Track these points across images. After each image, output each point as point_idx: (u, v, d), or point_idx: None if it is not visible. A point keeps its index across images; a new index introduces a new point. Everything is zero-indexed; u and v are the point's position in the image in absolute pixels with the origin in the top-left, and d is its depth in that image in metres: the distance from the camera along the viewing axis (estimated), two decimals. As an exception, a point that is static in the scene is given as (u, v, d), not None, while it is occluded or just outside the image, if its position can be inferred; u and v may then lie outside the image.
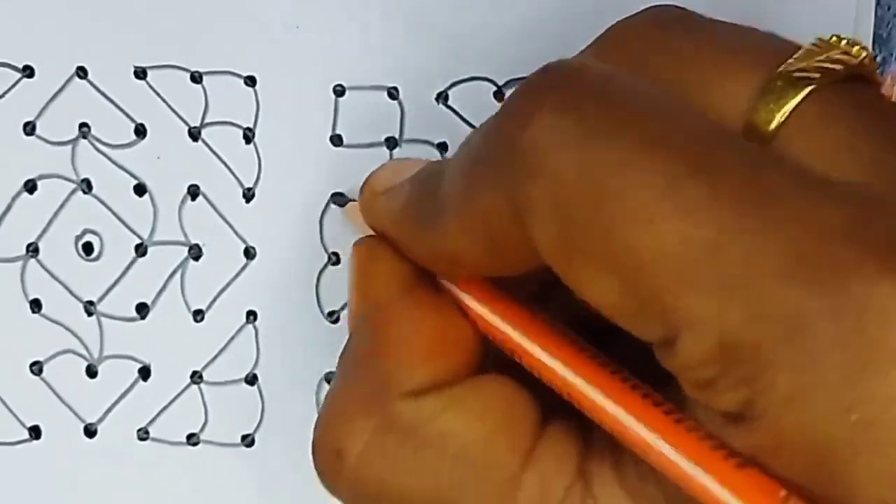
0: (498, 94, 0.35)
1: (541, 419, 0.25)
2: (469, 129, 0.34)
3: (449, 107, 0.35)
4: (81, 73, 0.34)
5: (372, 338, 0.26)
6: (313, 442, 0.26)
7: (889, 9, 0.35)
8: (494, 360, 0.25)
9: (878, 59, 0.35)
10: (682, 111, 0.21)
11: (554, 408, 0.24)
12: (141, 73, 0.34)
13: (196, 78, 0.34)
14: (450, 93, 0.35)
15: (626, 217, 0.20)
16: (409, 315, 0.25)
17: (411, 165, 0.27)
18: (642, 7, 0.34)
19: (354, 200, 0.31)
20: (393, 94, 0.35)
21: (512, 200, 0.22)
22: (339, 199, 0.34)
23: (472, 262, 0.24)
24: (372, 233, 0.28)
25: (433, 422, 0.24)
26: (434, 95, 0.35)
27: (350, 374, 0.26)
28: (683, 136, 0.21)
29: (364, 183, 0.28)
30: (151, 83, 0.34)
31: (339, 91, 0.34)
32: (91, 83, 0.34)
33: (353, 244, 0.28)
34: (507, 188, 0.22)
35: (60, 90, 0.34)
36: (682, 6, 0.27)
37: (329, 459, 0.26)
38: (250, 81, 0.34)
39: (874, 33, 0.35)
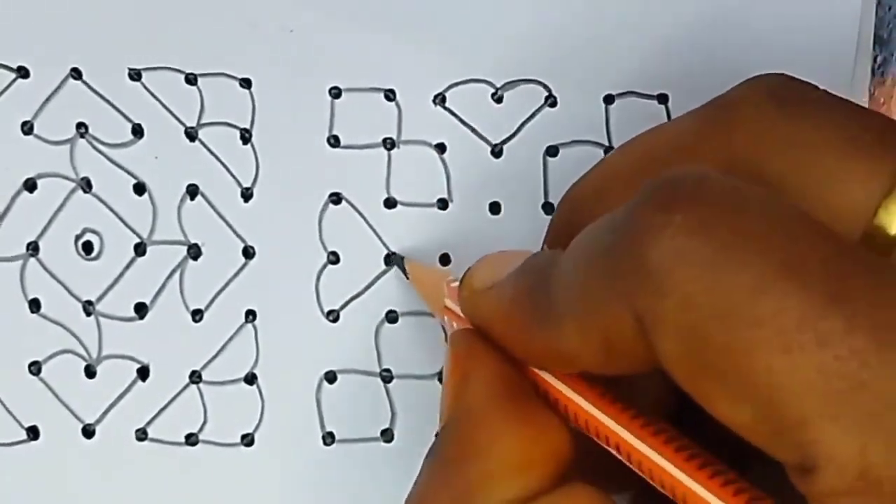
0: (496, 97, 0.35)
1: None
2: (467, 131, 0.35)
3: (447, 109, 0.35)
4: (76, 74, 0.34)
5: (462, 443, 0.25)
6: None
7: (890, 10, 0.35)
8: (582, 455, 0.25)
9: (879, 60, 0.35)
10: (813, 230, 0.21)
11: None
12: (135, 75, 0.34)
13: (191, 80, 0.34)
14: (447, 95, 0.35)
15: (762, 345, 0.20)
16: (503, 425, 0.25)
17: (510, 259, 0.26)
18: (642, 12, 0.34)
19: (412, 259, 0.33)
20: (390, 96, 0.34)
21: (635, 314, 0.21)
22: (395, 257, 0.34)
23: (586, 363, 0.24)
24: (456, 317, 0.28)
25: None
26: (431, 97, 0.35)
27: (435, 476, 0.26)
28: (818, 260, 0.20)
29: (462, 278, 0.27)
30: (146, 84, 0.34)
31: (336, 93, 0.34)
32: (86, 84, 0.34)
33: (451, 335, 0.28)
34: (632, 303, 0.21)
35: (56, 91, 0.34)
36: (792, 76, 0.26)
37: None
38: (245, 83, 0.34)
39: (875, 34, 0.35)
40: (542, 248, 0.30)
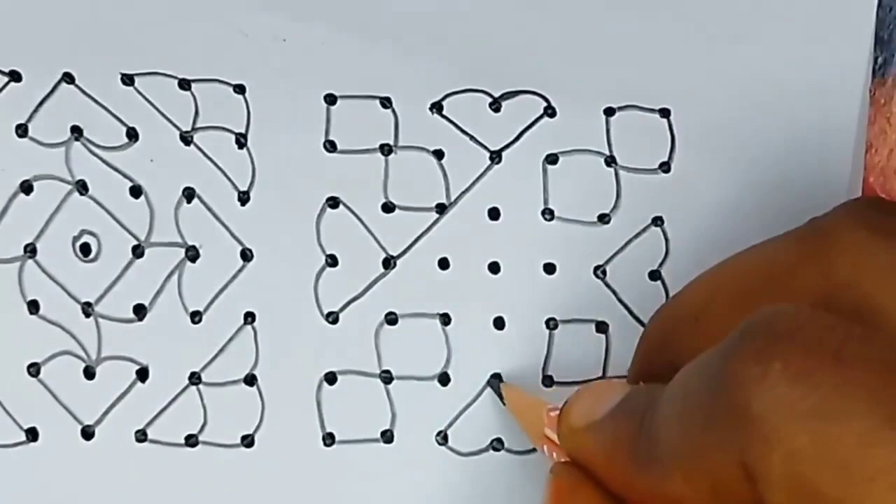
0: (494, 107, 0.34)
1: None
2: (465, 138, 0.34)
3: (444, 117, 0.34)
4: (68, 78, 0.34)
5: None
6: None
7: (890, 11, 0.35)
8: None
9: (880, 60, 0.35)
10: None
11: None
12: (128, 80, 0.34)
13: (184, 85, 0.34)
14: (444, 104, 0.34)
15: (875, 500, 0.20)
16: None
17: (607, 393, 0.26)
18: (635, 18, 0.34)
19: (510, 385, 0.33)
20: (386, 103, 0.34)
21: (743, 465, 0.21)
22: (492, 381, 0.34)
23: None
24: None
25: None
26: (428, 106, 0.34)
27: None
28: None
29: (560, 413, 0.28)
30: (139, 89, 0.34)
31: (331, 100, 0.34)
32: (79, 88, 0.34)
33: (553, 467, 0.28)
34: (737, 454, 0.21)
35: (49, 94, 0.34)
36: (883, 198, 0.26)
37: None
38: (239, 89, 0.34)
39: (875, 35, 0.35)
40: (631, 364, 0.31)
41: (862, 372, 0.21)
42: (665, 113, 0.35)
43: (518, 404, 0.33)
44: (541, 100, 0.34)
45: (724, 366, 0.22)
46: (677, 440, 0.23)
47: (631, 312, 0.35)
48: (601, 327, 0.35)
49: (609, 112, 0.34)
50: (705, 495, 0.23)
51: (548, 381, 0.35)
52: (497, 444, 0.35)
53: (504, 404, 0.34)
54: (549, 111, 0.34)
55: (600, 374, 0.35)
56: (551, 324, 0.35)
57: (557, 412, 0.28)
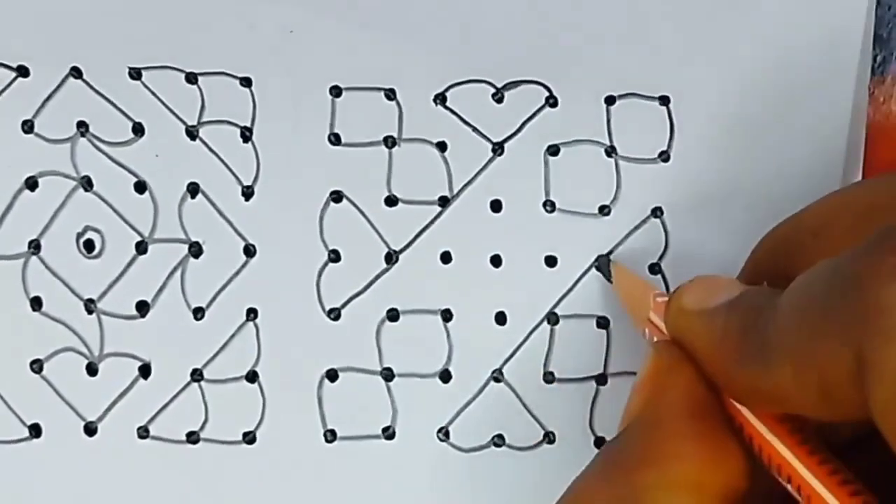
0: (496, 97, 0.35)
1: None
2: (468, 130, 0.35)
3: (447, 108, 0.35)
4: (76, 73, 0.34)
5: (645, 444, 0.25)
6: None
7: (889, 9, 0.35)
8: (757, 492, 0.25)
9: (879, 58, 0.35)
10: None
11: None
12: (135, 74, 0.34)
13: (191, 79, 0.34)
14: (448, 94, 0.35)
15: None
16: (691, 440, 0.25)
17: (723, 286, 0.26)
18: (644, 14, 0.34)
19: (619, 263, 0.33)
20: (390, 95, 0.34)
21: (858, 357, 0.21)
22: (602, 259, 0.34)
23: (794, 403, 0.23)
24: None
25: None
26: (432, 97, 0.35)
27: (609, 471, 0.26)
28: None
29: (672, 295, 0.28)
30: (146, 83, 0.34)
31: (336, 92, 0.34)
32: (86, 82, 0.34)
33: (656, 343, 0.28)
34: (854, 344, 0.21)
35: (56, 89, 0.34)
36: None
37: None
38: (246, 82, 0.34)
39: (875, 33, 0.35)
40: (742, 271, 0.31)
41: None
42: (665, 101, 0.35)
43: (625, 284, 0.33)
44: (543, 89, 0.35)
45: (854, 262, 0.22)
46: (793, 334, 0.23)
47: (632, 308, 0.35)
48: (602, 322, 0.35)
49: (609, 101, 0.35)
50: (812, 392, 0.22)
51: (549, 377, 0.35)
52: (498, 440, 0.35)
53: (611, 282, 0.34)
54: (551, 101, 0.35)
55: (601, 370, 0.35)
56: (552, 319, 0.35)
57: (665, 298, 0.28)
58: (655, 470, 0.25)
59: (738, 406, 0.25)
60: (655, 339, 0.29)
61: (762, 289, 0.25)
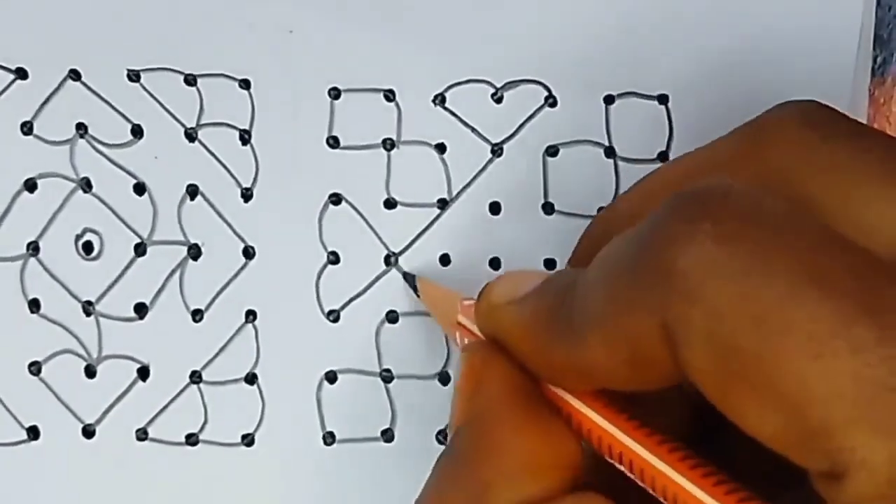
0: (496, 97, 0.35)
1: None
2: (467, 131, 0.35)
3: (447, 109, 0.35)
4: (74, 75, 0.34)
5: (475, 444, 0.25)
6: None
7: (890, 10, 0.35)
8: (593, 473, 0.25)
9: (879, 59, 0.35)
10: (843, 243, 0.21)
11: None
12: (134, 76, 0.34)
13: (190, 80, 0.34)
14: (447, 95, 0.35)
15: (793, 351, 0.20)
16: (518, 426, 0.25)
17: (530, 277, 0.26)
18: (642, 13, 0.34)
19: (424, 277, 0.33)
20: (389, 96, 0.34)
21: (663, 323, 0.21)
22: (407, 276, 0.34)
23: (607, 377, 0.24)
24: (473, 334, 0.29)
25: None
26: (431, 98, 0.35)
27: (449, 475, 0.26)
28: (849, 271, 0.20)
29: (481, 292, 0.27)
30: (145, 85, 0.34)
31: (335, 94, 0.34)
32: (85, 84, 0.34)
33: (463, 348, 0.28)
34: (658, 311, 0.21)
35: (55, 91, 0.34)
36: (828, 105, 0.26)
37: None
38: (245, 84, 0.34)
39: (875, 34, 0.35)
40: (566, 266, 0.31)
41: (787, 236, 0.21)
42: (663, 99, 0.35)
43: (432, 295, 0.33)
44: (542, 89, 0.35)
45: (651, 227, 0.22)
46: (598, 304, 0.23)
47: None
48: (601, 326, 0.35)
49: (609, 100, 0.35)
50: (622, 362, 0.23)
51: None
52: (497, 444, 0.34)
53: (418, 296, 0.34)
54: (550, 101, 0.35)
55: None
56: (551, 322, 0.35)
57: (472, 301, 0.28)
58: (491, 464, 0.24)
59: (557, 390, 0.25)
60: (466, 341, 0.29)
61: (568, 270, 0.26)
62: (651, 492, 0.24)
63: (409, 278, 0.34)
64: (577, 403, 0.25)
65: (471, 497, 0.24)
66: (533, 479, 0.24)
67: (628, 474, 0.24)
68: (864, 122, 0.35)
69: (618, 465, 0.24)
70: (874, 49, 0.35)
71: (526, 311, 0.26)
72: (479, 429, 0.25)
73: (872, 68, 0.35)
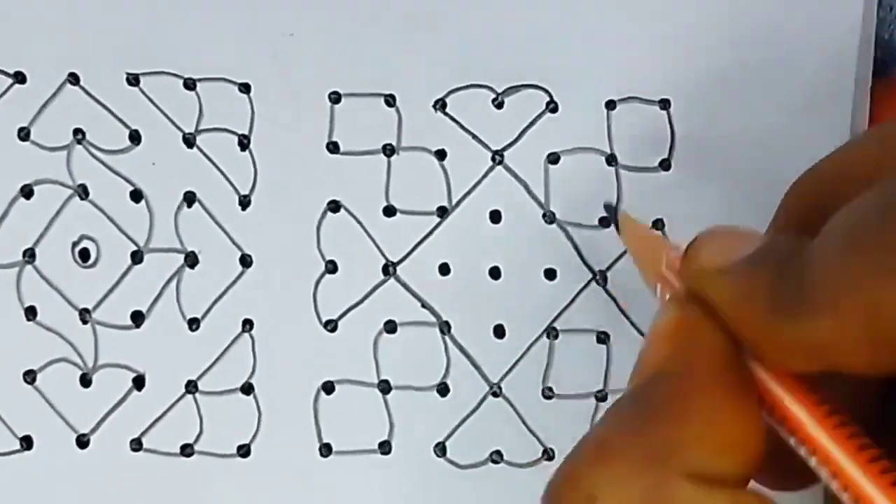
0: (496, 102, 0.35)
1: None
2: (468, 137, 0.34)
3: (447, 114, 0.34)
4: (73, 79, 0.34)
5: (672, 399, 0.24)
6: (562, 472, 0.24)
7: (891, 11, 0.35)
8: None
9: (881, 60, 0.35)
10: None
11: None
12: (133, 80, 0.34)
13: (189, 85, 0.34)
14: (448, 100, 0.34)
15: None
16: (723, 396, 0.24)
17: (740, 240, 0.25)
18: (643, 17, 0.34)
19: (629, 214, 0.31)
20: (390, 101, 0.34)
21: None
22: (609, 207, 0.33)
23: (844, 359, 0.22)
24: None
25: None
26: (432, 103, 0.34)
27: (628, 423, 0.24)
28: None
29: (688, 249, 0.26)
30: (144, 89, 0.34)
31: (335, 98, 0.34)
32: (83, 89, 0.34)
33: (674, 299, 0.26)
34: None
35: (53, 96, 0.34)
36: None
37: (577, 499, 0.23)
38: (244, 88, 0.34)
39: (876, 35, 0.35)
40: (770, 228, 0.29)
41: None
42: (665, 104, 0.34)
43: (635, 237, 0.31)
44: (543, 94, 0.34)
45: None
46: (834, 275, 0.21)
47: (632, 322, 0.34)
48: (602, 338, 0.34)
49: (610, 105, 0.34)
50: (861, 342, 0.21)
51: (548, 393, 0.34)
52: (496, 457, 0.34)
53: (618, 231, 0.32)
54: (552, 106, 0.34)
55: (601, 387, 0.34)
56: (552, 334, 0.34)
57: (679, 254, 0.26)
58: (684, 426, 0.23)
59: (756, 367, 0.24)
60: (668, 296, 0.27)
61: (786, 237, 0.24)
62: (834, 488, 0.23)
63: (611, 210, 0.33)
64: (778, 390, 0.24)
65: (652, 451, 0.23)
66: (720, 455, 0.23)
67: (814, 468, 0.23)
68: (866, 123, 0.35)
69: (813, 466, 0.23)
70: (876, 50, 0.35)
71: (741, 283, 0.24)
72: (679, 385, 0.24)
73: (874, 69, 0.35)
